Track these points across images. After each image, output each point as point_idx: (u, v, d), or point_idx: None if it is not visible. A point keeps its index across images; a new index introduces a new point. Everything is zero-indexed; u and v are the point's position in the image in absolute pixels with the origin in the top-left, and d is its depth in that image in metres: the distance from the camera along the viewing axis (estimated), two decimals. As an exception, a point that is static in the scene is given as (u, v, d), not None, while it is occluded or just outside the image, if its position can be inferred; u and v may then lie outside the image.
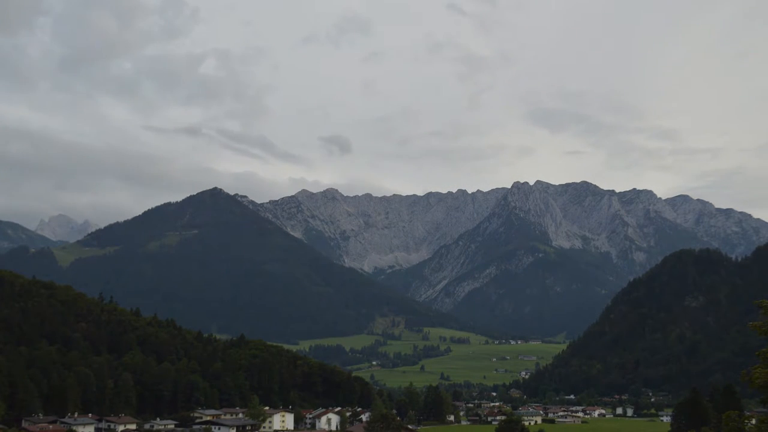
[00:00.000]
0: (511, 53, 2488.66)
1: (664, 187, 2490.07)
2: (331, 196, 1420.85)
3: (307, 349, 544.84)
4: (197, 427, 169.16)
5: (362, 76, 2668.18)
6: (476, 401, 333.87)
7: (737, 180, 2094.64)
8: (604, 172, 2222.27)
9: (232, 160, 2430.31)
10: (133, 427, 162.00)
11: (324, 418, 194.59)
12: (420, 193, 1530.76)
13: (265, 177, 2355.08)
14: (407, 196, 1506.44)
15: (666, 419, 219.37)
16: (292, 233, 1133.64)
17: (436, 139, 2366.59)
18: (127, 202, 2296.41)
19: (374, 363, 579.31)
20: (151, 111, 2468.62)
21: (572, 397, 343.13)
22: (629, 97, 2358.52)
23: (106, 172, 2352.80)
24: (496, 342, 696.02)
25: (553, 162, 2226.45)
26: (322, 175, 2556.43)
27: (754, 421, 43.21)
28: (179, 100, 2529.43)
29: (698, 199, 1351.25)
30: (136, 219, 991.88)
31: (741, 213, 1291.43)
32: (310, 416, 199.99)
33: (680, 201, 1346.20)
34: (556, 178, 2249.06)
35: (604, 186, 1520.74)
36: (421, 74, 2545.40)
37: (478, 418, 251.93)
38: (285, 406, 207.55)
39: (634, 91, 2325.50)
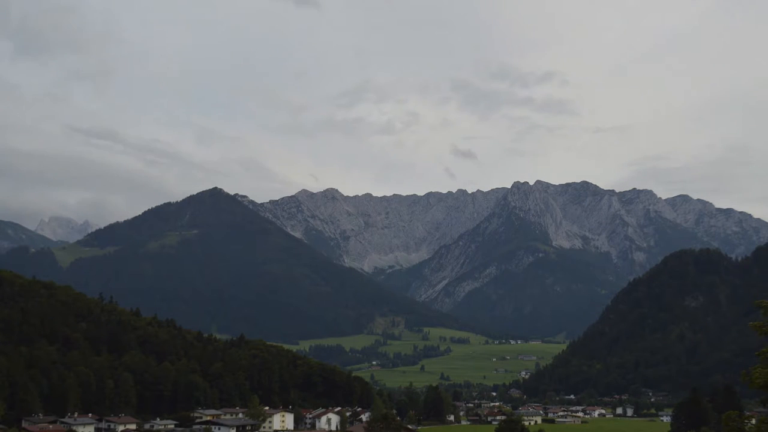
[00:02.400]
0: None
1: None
2: (331, 195, 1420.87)
3: (307, 349, 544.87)
4: (197, 427, 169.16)
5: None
6: (476, 401, 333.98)
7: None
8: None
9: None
10: (133, 427, 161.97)
11: (324, 418, 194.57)
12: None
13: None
14: (407, 196, 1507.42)
15: (666, 419, 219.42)
16: (292, 233, 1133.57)
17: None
18: (127, 202, 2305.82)
19: (374, 363, 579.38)
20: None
21: (572, 397, 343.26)
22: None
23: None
24: (496, 342, 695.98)
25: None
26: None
27: (754, 421, 43.18)
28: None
29: (698, 199, 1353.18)
30: (136, 219, 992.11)
31: (741, 213, 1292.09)
32: (310, 416, 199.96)
33: (680, 201, 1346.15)
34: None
35: (604, 186, 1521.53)
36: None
37: (478, 418, 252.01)
38: (285, 406, 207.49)
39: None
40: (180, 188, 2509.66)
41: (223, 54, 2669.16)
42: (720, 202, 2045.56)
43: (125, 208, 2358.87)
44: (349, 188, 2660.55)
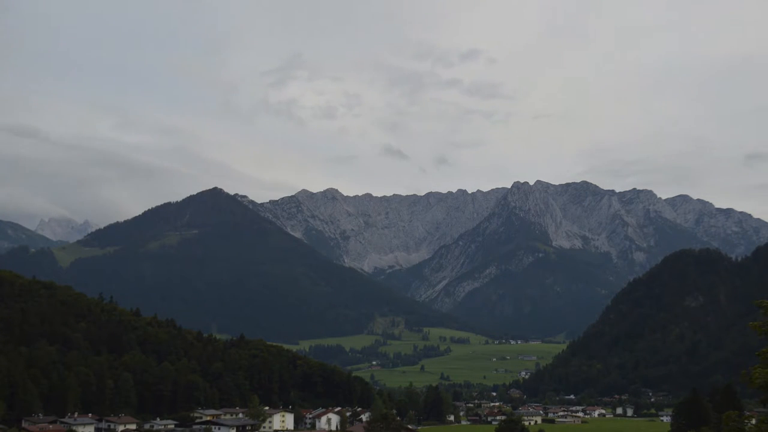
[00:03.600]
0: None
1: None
2: (331, 196, 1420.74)
3: (307, 349, 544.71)
4: (197, 427, 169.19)
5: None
6: (476, 401, 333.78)
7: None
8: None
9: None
10: (133, 427, 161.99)
11: (324, 418, 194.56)
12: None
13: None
14: (407, 196, 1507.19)
15: (666, 419, 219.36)
16: (292, 233, 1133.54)
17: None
18: (127, 202, 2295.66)
19: (374, 363, 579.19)
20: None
21: (572, 397, 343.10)
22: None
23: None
24: (496, 342, 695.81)
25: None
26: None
27: (754, 421, 43.19)
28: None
29: (698, 199, 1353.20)
30: (136, 219, 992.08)
31: (741, 213, 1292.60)
32: (310, 416, 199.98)
33: (680, 201, 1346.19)
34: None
35: (605, 186, 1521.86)
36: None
37: (478, 418, 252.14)
38: (285, 406, 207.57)
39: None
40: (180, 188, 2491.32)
41: (131, 24, 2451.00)
42: (668, 193, 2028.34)
43: (125, 208, 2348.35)
44: (304, 183, 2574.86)
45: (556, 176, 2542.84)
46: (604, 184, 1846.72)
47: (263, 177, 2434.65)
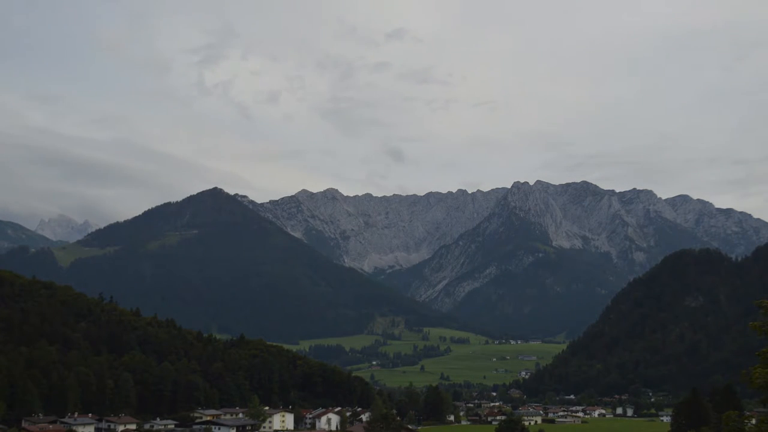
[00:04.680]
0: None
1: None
2: (331, 196, 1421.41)
3: (307, 349, 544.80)
4: (197, 427, 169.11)
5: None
6: (476, 401, 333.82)
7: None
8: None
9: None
10: (133, 427, 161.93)
11: (324, 418, 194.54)
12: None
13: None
14: (407, 196, 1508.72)
15: (666, 419, 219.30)
16: (292, 233, 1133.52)
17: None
18: (127, 202, 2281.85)
19: (374, 363, 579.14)
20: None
21: (572, 397, 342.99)
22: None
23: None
24: (496, 342, 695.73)
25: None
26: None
27: (754, 421, 43.18)
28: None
29: (698, 199, 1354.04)
30: (136, 219, 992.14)
31: (741, 213, 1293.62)
32: (310, 416, 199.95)
33: (680, 201, 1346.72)
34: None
35: (605, 186, 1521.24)
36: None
37: (478, 418, 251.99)
38: (285, 406, 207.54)
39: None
40: (182, 188, 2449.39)
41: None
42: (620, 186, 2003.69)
43: (125, 208, 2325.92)
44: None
45: (512, 173, 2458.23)
46: (558, 180, 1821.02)
47: (212, 166, 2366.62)
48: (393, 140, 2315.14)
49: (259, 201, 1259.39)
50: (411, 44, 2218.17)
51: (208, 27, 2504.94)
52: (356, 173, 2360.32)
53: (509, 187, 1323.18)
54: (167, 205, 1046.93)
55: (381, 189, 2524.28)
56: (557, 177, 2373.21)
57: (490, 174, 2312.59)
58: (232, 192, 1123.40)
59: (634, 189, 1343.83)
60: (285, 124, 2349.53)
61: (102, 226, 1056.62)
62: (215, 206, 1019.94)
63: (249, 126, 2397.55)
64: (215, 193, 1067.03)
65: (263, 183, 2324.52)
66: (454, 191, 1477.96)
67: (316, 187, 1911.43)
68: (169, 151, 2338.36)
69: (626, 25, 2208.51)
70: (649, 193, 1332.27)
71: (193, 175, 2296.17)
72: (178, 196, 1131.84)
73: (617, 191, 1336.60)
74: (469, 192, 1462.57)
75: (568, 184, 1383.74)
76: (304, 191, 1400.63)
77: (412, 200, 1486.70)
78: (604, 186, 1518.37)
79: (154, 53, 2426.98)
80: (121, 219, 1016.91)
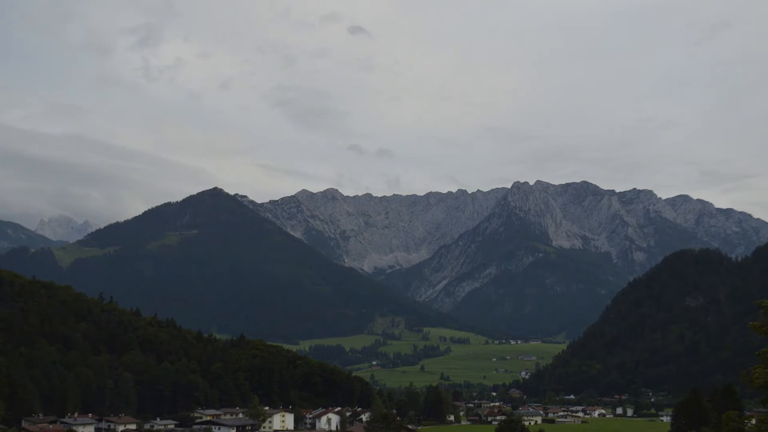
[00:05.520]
0: None
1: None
2: (331, 196, 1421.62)
3: (307, 349, 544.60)
4: (197, 427, 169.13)
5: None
6: (476, 401, 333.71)
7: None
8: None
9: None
10: (133, 427, 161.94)
11: (324, 418, 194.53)
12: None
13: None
14: (407, 196, 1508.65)
15: (666, 419, 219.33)
16: (292, 233, 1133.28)
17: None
18: (127, 202, 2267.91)
19: (374, 363, 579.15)
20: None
21: (572, 397, 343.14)
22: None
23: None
24: (496, 342, 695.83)
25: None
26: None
27: (754, 421, 43.24)
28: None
29: (698, 199, 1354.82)
30: (136, 219, 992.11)
31: (741, 213, 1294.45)
32: (310, 416, 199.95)
33: (680, 201, 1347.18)
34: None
35: (605, 187, 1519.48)
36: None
37: (478, 418, 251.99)
38: (285, 406, 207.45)
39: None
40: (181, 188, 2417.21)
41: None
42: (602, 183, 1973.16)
43: (125, 208, 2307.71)
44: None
45: (477, 174, 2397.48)
46: (531, 178, 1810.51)
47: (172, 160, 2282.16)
48: (353, 136, 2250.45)
49: (258, 201, 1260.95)
50: (349, 29, 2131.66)
51: (146, 4, 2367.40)
52: (321, 169, 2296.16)
53: (509, 187, 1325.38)
54: (167, 205, 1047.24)
55: (353, 185, 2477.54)
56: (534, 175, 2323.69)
57: (449, 168, 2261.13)
58: (232, 192, 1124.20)
59: (634, 189, 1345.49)
60: (242, 115, 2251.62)
61: (102, 226, 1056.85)
62: (215, 206, 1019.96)
63: (204, 116, 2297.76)
64: (215, 193, 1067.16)
65: (231, 179, 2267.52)
66: (454, 191, 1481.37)
67: (283, 186, 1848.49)
68: (127, 146, 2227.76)
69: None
70: (649, 193, 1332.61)
71: (159, 173, 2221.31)
72: (178, 196, 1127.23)
73: (617, 191, 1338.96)
74: (469, 192, 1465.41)
75: (568, 184, 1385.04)
76: (304, 191, 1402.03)
77: (412, 200, 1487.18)
78: (604, 186, 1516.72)
79: (91, 34, 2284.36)
80: (121, 219, 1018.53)
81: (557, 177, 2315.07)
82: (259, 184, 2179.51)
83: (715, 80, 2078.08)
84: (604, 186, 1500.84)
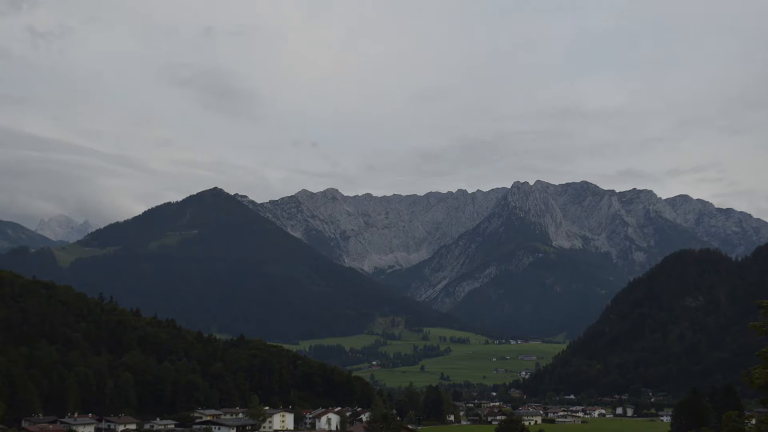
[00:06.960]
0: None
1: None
2: (331, 196, 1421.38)
3: (307, 349, 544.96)
4: (197, 427, 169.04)
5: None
6: (476, 401, 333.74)
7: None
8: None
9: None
10: (133, 427, 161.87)
11: (324, 418, 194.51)
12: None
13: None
14: (407, 196, 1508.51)
15: (666, 419, 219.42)
16: (292, 233, 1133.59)
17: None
18: (127, 202, 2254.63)
19: (374, 363, 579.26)
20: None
21: (572, 397, 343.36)
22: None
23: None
24: (496, 342, 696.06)
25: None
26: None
27: (754, 421, 43.24)
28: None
29: (698, 199, 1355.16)
30: (136, 219, 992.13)
31: (741, 213, 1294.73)
32: (310, 416, 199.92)
33: (680, 201, 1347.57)
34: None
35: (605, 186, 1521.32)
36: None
37: (478, 418, 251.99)
38: (285, 406, 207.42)
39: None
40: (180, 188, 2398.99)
41: None
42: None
43: (125, 208, 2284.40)
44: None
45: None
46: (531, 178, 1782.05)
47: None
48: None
49: (258, 201, 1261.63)
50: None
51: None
52: (243, 157, 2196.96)
53: (509, 186, 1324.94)
54: (167, 205, 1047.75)
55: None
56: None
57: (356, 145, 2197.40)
58: (231, 192, 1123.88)
59: (634, 189, 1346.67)
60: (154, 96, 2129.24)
61: (102, 226, 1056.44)
62: (215, 206, 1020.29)
63: (112, 97, 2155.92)
64: (215, 193, 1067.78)
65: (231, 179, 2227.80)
66: (454, 191, 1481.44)
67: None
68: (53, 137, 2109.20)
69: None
70: (649, 193, 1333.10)
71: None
72: (178, 196, 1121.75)
73: (617, 191, 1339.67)
74: (470, 192, 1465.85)
75: (568, 184, 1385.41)
76: (304, 191, 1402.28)
77: (412, 200, 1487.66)
78: (604, 185, 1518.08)
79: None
80: (121, 219, 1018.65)
81: (557, 177, 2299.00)
82: (260, 183, 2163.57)
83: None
84: (604, 186, 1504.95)
